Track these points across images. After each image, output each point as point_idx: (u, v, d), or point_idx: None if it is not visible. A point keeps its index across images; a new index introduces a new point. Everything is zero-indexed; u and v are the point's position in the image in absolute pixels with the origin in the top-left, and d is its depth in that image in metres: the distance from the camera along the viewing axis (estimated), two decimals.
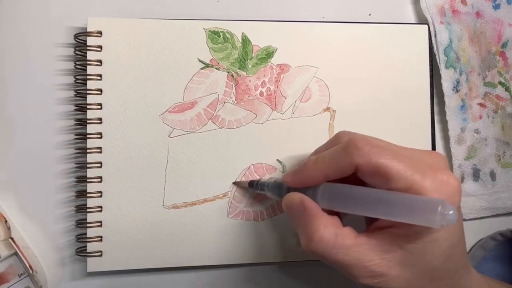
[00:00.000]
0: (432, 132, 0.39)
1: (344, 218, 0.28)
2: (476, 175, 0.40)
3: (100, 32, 0.35)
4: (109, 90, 0.35)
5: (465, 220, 0.41)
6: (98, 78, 0.35)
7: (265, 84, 0.36)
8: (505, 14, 0.40)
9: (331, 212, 0.27)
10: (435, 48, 0.39)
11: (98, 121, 0.35)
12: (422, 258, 0.24)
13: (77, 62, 0.35)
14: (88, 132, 0.34)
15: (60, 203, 0.36)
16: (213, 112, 0.36)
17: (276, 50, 0.37)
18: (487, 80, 0.40)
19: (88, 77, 0.34)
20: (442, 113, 0.40)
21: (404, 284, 0.25)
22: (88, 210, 0.35)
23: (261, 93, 0.36)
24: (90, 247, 0.35)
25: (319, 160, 0.27)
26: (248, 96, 0.36)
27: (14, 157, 0.35)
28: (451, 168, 0.40)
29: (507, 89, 0.40)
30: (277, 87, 0.37)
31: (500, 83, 0.40)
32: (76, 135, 0.35)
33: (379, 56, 0.38)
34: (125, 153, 0.35)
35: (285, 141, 0.37)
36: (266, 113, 0.37)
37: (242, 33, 0.36)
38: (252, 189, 0.35)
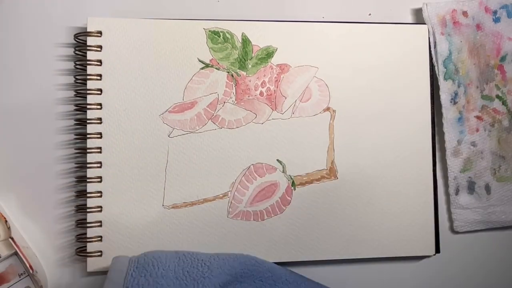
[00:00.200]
0: (432, 132, 0.39)
1: None
2: (471, 188, 0.40)
3: (100, 32, 0.35)
4: (109, 90, 0.35)
5: (458, 233, 0.41)
6: (98, 78, 0.35)
7: (265, 84, 0.36)
8: (505, 28, 0.40)
9: None
10: (434, 59, 0.39)
11: (98, 121, 0.35)
12: None
13: (77, 62, 0.35)
14: (88, 132, 0.34)
15: (60, 203, 0.36)
16: (213, 112, 0.36)
17: (276, 50, 0.37)
18: (485, 93, 0.40)
19: (88, 77, 0.34)
20: (439, 124, 0.40)
21: None
22: (88, 210, 0.35)
23: (261, 93, 0.36)
24: (90, 247, 0.35)
25: None
26: (248, 96, 0.36)
27: (14, 157, 0.35)
28: (446, 181, 0.40)
29: (504, 103, 0.40)
30: (277, 87, 0.37)
31: (497, 96, 0.40)
32: (76, 135, 0.35)
33: (379, 56, 0.38)
34: (125, 153, 0.35)
35: (285, 141, 0.37)
36: (266, 113, 0.37)
37: (242, 33, 0.36)
38: None
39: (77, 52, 0.35)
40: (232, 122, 0.36)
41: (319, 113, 0.37)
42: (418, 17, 0.40)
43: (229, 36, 0.36)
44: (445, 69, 0.39)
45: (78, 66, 0.35)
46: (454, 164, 0.40)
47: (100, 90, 0.35)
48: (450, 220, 0.41)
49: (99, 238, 0.35)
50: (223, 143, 0.36)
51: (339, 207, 0.37)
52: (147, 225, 0.35)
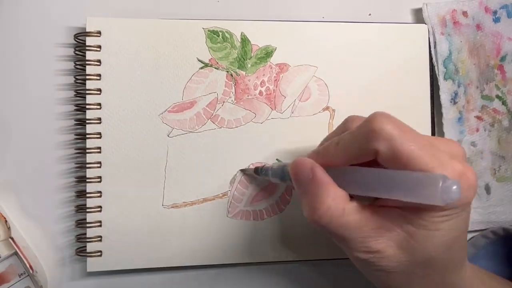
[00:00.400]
0: (432, 132, 0.39)
1: None
2: None
3: (99, 32, 0.35)
4: (108, 90, 0.35)
5: None
6: (97, 78, 0.35)
7: (264, 84, 0.36)
8: (505, 28, 0.40)
9: None
10: (434, 59, 0.39)
11: (98, 121, 0.35)
12: (422, 245, 0.24)
13: (77, 62, 0.35)
14: (87, 132, 0.35)
15: (60, 203, 0.36)
16: (213, 112, 0.36)
17: (275, 49, 0.37)
18: (485, 93, 0.40)
19: (87, 77, 0.34)
20: (439, 124, 0.39)
21: (396, 264, 0.25)
22: (87, 210, 0.35)
23: (261, 93, 0.36)
24: (90, 247, 0.35)
25: (339, 146, 0.25)
26: (248, 96, 0.36)
27: (14, 157, 0.35)
28: None
29: (504, 103, 0.40)
30: (277, 87, 0.37)
31: (497, 96, 0.40)
32: (76, 135, 0.35)
33: (378, 55, 0.38)
34: (124, 153, 0.35)
35: (285, 140, 0.37)
36: (266, 112, 0.37)
37: (241, 32, 0.36)
38: (258, 175, 0.34)
39: (77, 52, 0.35)
40: (232, 121, 0.36)
41: (319, 112, 0.37)
42: (418, 17, 0.40)
43: (228, 36, 0.36)
44: (445, 69, 0.39)
45: (78, 66, 0.35)
46: None
47: (100, 90, 0.35)
48: None
49: (99, 238, 0.35)
50: (223, 143, 0.36)
51: None
52: (147, 225, 0.35)
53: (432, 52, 0.39)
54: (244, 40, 0.36)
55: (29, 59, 0.36)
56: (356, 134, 0.24)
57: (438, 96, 0.39)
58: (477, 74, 0.40)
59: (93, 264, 0.35)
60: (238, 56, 0.36)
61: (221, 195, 0.36)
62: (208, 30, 0.36)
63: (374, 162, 0.24)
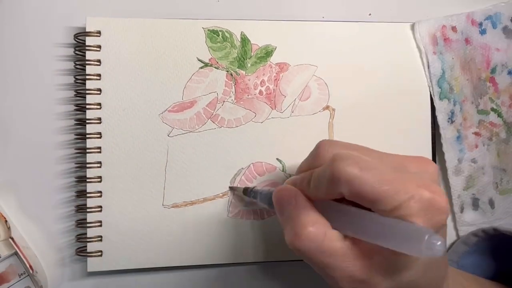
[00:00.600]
0: (432, 132, 0.39)
1: None
2: (475, 204, 0.40)
3: (99, 32, 0.35)
4: (108, 90, 0.35)
5: None
6: (97, 78, 0.35)
7: (264, 83, 0.36)
8: (491, 39, 0.40)
9: None
10: (428, 80, 0.39)
11: (98, 121, 0.35)
12: (404, 270, 0.24)
13: (77, 62, 0.35)
14: (87, 132, 0.35)
15: (60, 203, 0.36)
16: (213, 111, 0.36)
17: (275, 49, 0.37)
18: (480, 108, 0.40)
19: (87, 76, 0.34)
20: (438, 144, 0.39)
21: None
22: (88, 210, 0.35)
23: (261, 92, 0.36)
24: (90, 247, 0.35)
25: (310, 186, 0.26)
26: (248, 95, 0.36)
27: (14, 157, 0.35)
28: (450, 199, 0.40)
29: (499, 115, 0.40)
30: (277, 86, 0.37)
31: (492, 109, 0.40)
32: (76, 135, 0.35)
33: (378, 55, 0.38)
34: (124, 152, 0.35)
35: (285, 139, 0.37)
36: (266, 112, 0.37)
37: (241, 32, 0.36)
38: (246, 196, 0.34)
39: (76, 52, 0.35)
40: (232, 121, 0.36)
41: (319, 111, 0.37)
42: (418, 17, 0.40)
43: (228, 35, 0.36)
44: (440, 89, 0.39)
45: (78, 66, 0.35)
46: (456, 183, 0.40)
47: (100, 90, 0.35)
48: (457, 237, 0.41)
49: (99, 238, 0.35)
50: (223, 142, 0.36)
51: None
52: (147, 224, 0.35)
53: (426, 73, 0.39)
54: (244, 40, 0.36)
55: (29, 59, 0.36)
56: (321, 179, 0.25)
57: (433, 127, 0.39)
58: (470, 89, 0.39)
59: (93, 264, 0.35)
60: (238, 56, 0.36)
61: (221, 194, 0.36)
62: (208, 30, 0.36)
63: None
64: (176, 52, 0.36)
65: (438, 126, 0.39)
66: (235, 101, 0.36)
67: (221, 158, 0.36)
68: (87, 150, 0.35)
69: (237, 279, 0.38)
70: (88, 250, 0.35)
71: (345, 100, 0.38)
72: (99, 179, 0.35)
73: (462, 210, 0.40)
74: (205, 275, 0.37)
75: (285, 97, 0.37)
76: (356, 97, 0.38)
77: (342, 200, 0.24)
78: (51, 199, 0.36)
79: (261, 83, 0.36)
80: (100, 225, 0.35)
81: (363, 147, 0.26)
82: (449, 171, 0.39)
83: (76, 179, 0.35)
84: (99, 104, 0.35)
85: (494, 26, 0.40)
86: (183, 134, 0.36)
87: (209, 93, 0.36)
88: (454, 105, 0.39)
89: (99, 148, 0.35)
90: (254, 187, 0.34)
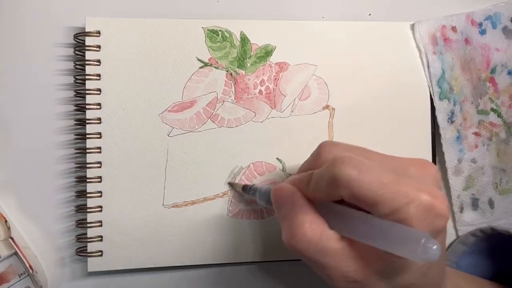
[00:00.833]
0: (432, 132, 0.39)
1: None
2: (475, 204, 0.40)
3: (98, 32, 0.35)
4: (108, 90, 0.35)
5: None
6: (97, 78, 0.35)
7: (264, 83, 0.36)
8: (491, 39, 0.40)
9: None
10: (428, 80, 0.39)
11: (97, 121, 0.35)
12: (400, 273, 0.24)
13: (77, 62, 0.35)
14: (87, 132, 0.35)
15: (60, 203, 0.36)
16: (212, 111, 0.36)
17: (275, 48, 0.37)
18: (480, 108, 0.40)
19: (87, 77, 0.34)
20: (438, 144, 0.39)
21: None
22: (88, 210, 0.34)
23: (260, 92, 0.36)
24: (91, 247, 0.35)
25: (310, 187, 0.26)
26: (247, 95, 0.36)
27: (14, 157, 0.35)
28: (449, 199, 0.40)
29: (499, 115, 0.40)
30: (276, 86, 0.37)
31: (492, 109, 0.40)
32: (76, 135, 0.35)
33: (378, 54, 0.38)
34: (124, 152, 0.35)
35: (285, 139, 0.37)
36: (266, 111, 0.37)
37: (241, 31, 0.36)
38: (245, 193, 0.34)
39: (76, 52, 0.35)
40: (232, 121, 0.36)
41: (318, 111, 0.37)
42: (418, 16, 0.40)
43: (227, 35, 0.36)
44: (440, 89, 0.39)
45: (77, 66, 0.35)
46: (456, 183, 0.40)
47: (99, 90, 0.35)
48: (457, 237, 0.41)
49: (100, 238, 0.35)
50: (223, 142, 0.36)
51: None
52: (148, 224, 0.35)
53: (426, 73, 0.39)
54: (244, 39, 0.36)
55: (29, 59, 0.36)
56: (320, 181, 0.25)
57: (433, 127, 0.39)
58: (470, 89, 0.39)
59: (94, 264, 0.35)
60: (237, 55, 0.36)
61: (221, 194, 0.36)
62: (208, 30, 0.36)
63: None
64: (176, 52, 0.36)
65: (438, 126, 0.39)
66: (235, 100, 0.36)
67: (221, 157, 0.36)
68: (87, 150, 0.35)
69: (237, 278, 0.38)
70: (88, 250, 0.35)
71: (345, 100, 0.38)
72: (99, 179, 0.35)
73: (461, 210, 0.40)
74: (206, 275, 0.37)
75: (284, 96, 0.37)
76: (356, 97, 0.38)
77: (341, 202, 0.24)
78: (51, 199, 0.36)
79: (260, 82, 0.36)
80: (101, 225, 0.35)
81: (364, 149, 0.26)
82: (449, 171, 0.39)
83: (76, 179, 0.35)
84: (99, 104, 0.35)
85: (494, 26, 0.40)
86: (183, 134, 0.36)
87: (209, 93, 0.36)
88: (454, 105, 0.39)
89: (99, 148, 0.35)
90: (253, 185, 0.34)
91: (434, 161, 0.39)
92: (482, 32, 0.40)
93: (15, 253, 0.33)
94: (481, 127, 0.40)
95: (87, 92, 0.34)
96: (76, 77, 0.35)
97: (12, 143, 0.35)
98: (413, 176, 0.24)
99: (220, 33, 0.36)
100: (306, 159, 0.29)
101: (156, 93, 0.35)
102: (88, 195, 0.34)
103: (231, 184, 0.36)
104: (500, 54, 0.40)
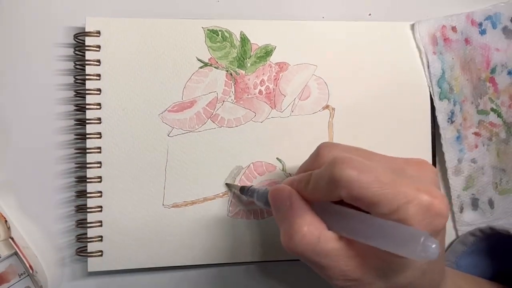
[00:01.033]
0: (432, 132, 0.39)
1: None
2: (475, 204, 0.40)
3: (98, 32, 0.35)
4: (108, 90, 0.35)
5: None
6: (97, 78, 0.35)
7: (264, 83, 0.36)
8: (491, 39, 0.40)
9: None
10: (428, 80, 0.39)
11: (97, 121, 0.35)
12: (399, 272, 0.24)
13: (77, 62, 0.35)
14: (87, 132, 0.35)
15: (60, 203, 0.36)
16: (212, 111, 0.36)
17: (275, 48, 0.37)
18: (480, 108, 0.40)
19: (87, 77, 0.34)
20: (438, 144, 0.39)
21: None
22: (88, 210, 0.34)
23: (260, 92, 0.36)
24: (91, 247, 0.35)
25: (309, 187, 0.26)
26: (247, 95, 0.36)
27: (14, 157, 0.35)
28: (449, 199, 0.40)
29: (499, 115, 0.40)
30: (276, 85, 0.37)
31: (492, 109, 0.40)
32: (76, 135, 0.35)
33: (378, 54, 0.38)
34: (124, 152, 0.35)
35: (285, 139, 0.37)
36: (266, 111, 0.37)
37: (241, 31, 0.36)
38: (243, 194, 0.34)
39: (76, 52, 0.35)
40: (232, 121, 0.36)
41: (318, 111, 0.37)
42: (418, 16, 0.40)
43: (227, 35, 0.36)
44: (440, 89, 0.39)
45: (77, 66, 0.35)
46: (456, 183, 0.40)
47: (99, 90, 0.35)
48: (457, 236, 0.41)
49: (100, 238, 0.35)
50: (223, 142, 0.36)
51: None
52: (148, 224, 0.35)
53: (426, 73, 0.39)
54: (244, 39, 0.36)
55: (29, 59, 0.36)
56: (319, 181, 0.25)
57: (433, 128, 0.39)
58: (470, 89, 0.39)
59: (94, 264, 0.35)
60: (237, 55, 0.36)
61: (221, 194, 0.36)
62: (208, 30, 0.36)
63: None
64: (176, 52, 0.36)
65: (438, 126, 0.39)
66: (234, 100, 0.36)
67: (221, 157, 0.36)
68: (87, 150, 0.35)
69: (237, 278, 0.38)
70: (88, 250, 0.35)
71: (345, 100, 0.38)
72: (99, 179, 0.35)
73: (461, 210, 0.40)
74: (206, 275, 0.37)
75: (284, 96, 0.37)
76: (356, 97, 0.38)
77: (340, 202, 0.24)
78: (51, 199, 0.36)
79: (260, 82, 0.36)
80: (101, 225, 0.35)
81: (363, 150, 0.26)
82: (449, 171, 0.39)
83: (76, 179, 0.35)
84: (99, 104, 0.35)
85: (494, 26, 0.40)
86: (183, 134, 0.36)
87: (209, 93, 0.36)
88: (454, 105, 0.39)
89: (99, 148, 0.35)
90: (251, 186, 0.34)
91: (434, 161, 0.39)
92: (482, 32, 0.40)
93: (15, 253, 0.33)
94: (481, 127, 0.40)
95: (87, 92, 0.34)
96: (76, 77, 0.35)
97: (12, 143, 0.35)
98: (412, 176, 0.24)
99: (220, 33, 0.36)
100: (306, 159, 0.29)
101: (156, 93, 0.35)
102: (88, 195, 0.34)
103: (229, 186, 0.36)
104: (500, 54, 0.40)
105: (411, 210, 0.22)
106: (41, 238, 0.35)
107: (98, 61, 0.35)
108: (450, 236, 0.40)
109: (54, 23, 0.36)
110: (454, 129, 0.39)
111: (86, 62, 0.35)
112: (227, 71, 0.36)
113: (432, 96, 0.39)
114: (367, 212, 0.23)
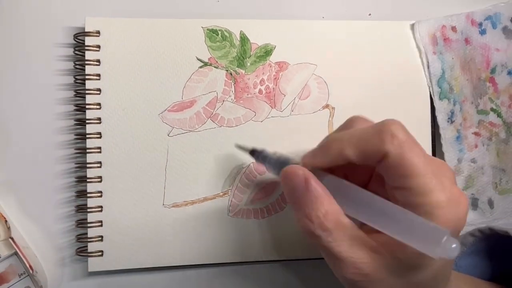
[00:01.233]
0: (432, 132, 0.39)
1: None
2: (474, 204, 0.40)
3: (98, 32, 0.35)
4: (108, 90, 0.35)
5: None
6: (97, 77, 0.35)
7: (264, 82, 0.36)
8: (491, 39, 0.40)
9: None
10: (428, 80, 0.39)
11: (97, 121, 0.35)
12: (411, 270, 0.24)
13: (77, 62, 0.35)
14: (87, 132, 0.35)
15: (60, 203, 0.36)
16: (212, 111, 0.36)
17: (275, 47, 0.37)
18: (480, 108, 0.40)
19: (87, 77, 0.35)
20: (438, 144, 0.39)
21: None
22: (88, 210, 0.34)
23: (260, 91, 0.36)
24: (91, 247, 0.35)
25: (344, 138, 0.25)
26: (247, 94, 0.36)
27: (14, 157, 0.35)
28: None
29: (499, 115, 0.40)
30: (276, 85, 0.37)
31: (492, 109, 0.40)
32: (76, 135, 0.35)
33: (378, 53, 0.38)
34: (124, 152, 0.35)
35: (285, 138, 0.37)
36: (265, 111, 0.37)
37: (240, 31, 0.36)
38: (253, 157, 0.33)
39: (76, 52, 0.35)
40: (232, 120, 0.36)
41: (318, 110, 0.37)
42: (418, 16, 0.40)
43: (227, 34, 0.36)
44: (440, 89, 0.39)
45: (77, 66, 0.35)
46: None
47: (99, 90, 0.35)
48: None
49: (100, 238, 0.35)
50: (223, 142, 0.36)
51: None
52: (148, 224, 0.35)
53: (426, 73, 0.39)
54: (243, 39, 0.36)
55: (29, 59, 0.36)
56: (370, 131, 0.24)
57: (432, 127, 0.39)
58: (470, 89, 0.39)
59: (94, 264, 0.35)
60: (237, 55, 0.36)
61: (221, 193, 0.36)
62: (207, 29, 0.36)
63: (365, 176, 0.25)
64: (176, 52, 0.36)
65: (438, 126, 0.39)
66: (234, 100, 0.36)
67: (221, 157, 0.36)
68: (87, 150, 0.35)
69: (237, 278, 0.38)
70: (88, 250, 0.34)
71: (345, 99, 0.38)
72: (99, 179, 0.35)
73: None
74: (206, 275, 0.37)
75: (284, 96, 0.37)
76: (355, 96, 0.38)
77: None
78: (51, 199, 0.36)
79: (260, 82, 0.36)
80: (101, 225, 0.35)
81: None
82: None
83: (76, 179, 0.35)
84: (99, 104, 0.35)
85: (494, 26, 0.40)
86: (183, 133, 0.36)
87: (209, 93, 0.36)
88: (454, 105, 0.39)
89: (99, 148, 0.35)
90: (263, 150, 0.32)
91: None
92: (482, 32, 0.40)
93: (15, 253, 0.33)
94: (481, 127, 0.40)
95: (87, 92, 0.34)
96: (76, 77, 0.35)
97: (12, 143, 0.35)
98: (443, 171, 0.24)
99: (219, 32, 0.36)
100: None
101: (156, 93, 0.35)
102: (88, 195, 0.34)
103: (240, 147, 0.35)
104: (500, 54, 0.40)
105: (443, 198, 0.22)
106: (41, 238, 0.35)
107: (98, 61, 0.35)
108: None
109: (54, 23, 0.36)
110: (454, 129, 0.39)
111: (86, 62, 0.35)
112: (227, 70, 0.36)
113: (432, 96, 0.39)
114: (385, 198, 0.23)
